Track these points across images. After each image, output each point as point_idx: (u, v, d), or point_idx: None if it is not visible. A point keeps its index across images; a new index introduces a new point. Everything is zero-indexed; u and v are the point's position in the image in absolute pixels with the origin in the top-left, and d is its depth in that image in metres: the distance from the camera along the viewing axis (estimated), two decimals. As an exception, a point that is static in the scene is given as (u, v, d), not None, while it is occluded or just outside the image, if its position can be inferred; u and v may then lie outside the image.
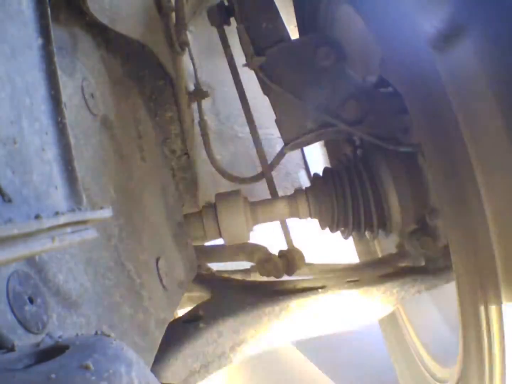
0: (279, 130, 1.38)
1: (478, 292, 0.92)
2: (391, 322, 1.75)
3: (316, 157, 2.13)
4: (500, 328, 0.90)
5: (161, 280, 1.02)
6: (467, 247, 0.91)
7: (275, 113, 1.38)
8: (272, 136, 1.92)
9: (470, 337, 1.00)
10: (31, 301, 0.54)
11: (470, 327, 0.99)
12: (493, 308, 0.89)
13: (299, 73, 1.32)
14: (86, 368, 0.39)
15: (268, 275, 1.47)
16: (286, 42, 1.34)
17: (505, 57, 0.77)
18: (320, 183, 1.41)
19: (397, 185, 1.31)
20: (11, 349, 0.45)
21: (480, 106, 0.80)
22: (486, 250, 0.86)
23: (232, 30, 1.47)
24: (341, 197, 1.37)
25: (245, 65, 1.39)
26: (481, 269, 0.89)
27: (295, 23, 1.67)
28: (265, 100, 1.43)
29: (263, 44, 1.34)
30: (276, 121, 1.38)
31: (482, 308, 0.91)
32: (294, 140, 1.36)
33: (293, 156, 2.06)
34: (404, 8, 0.89)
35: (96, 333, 0.50)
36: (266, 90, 1.38)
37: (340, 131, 1.32)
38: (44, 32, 0.57)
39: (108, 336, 0.47)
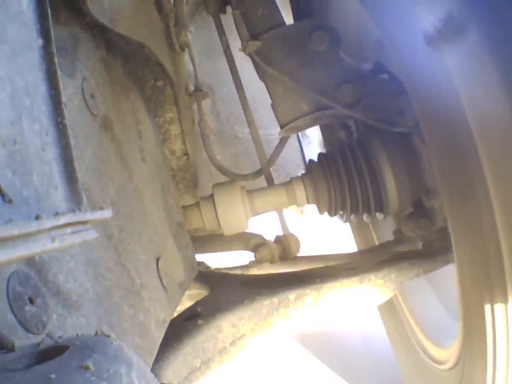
0: (275, 113, 1.39)
1: (480, 277, 0.91)
2: (388, 304, 1.74)
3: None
4: (505, 309, 0.89)
5: (161, 281, 1.02)
6: (471, 237, 0.90)
7: (270, 97, 1.38)
8: (272, 137, 1.93)
9: (470, 318, 1.00)
10: (31, 301, 0.54)
11: (471, 310, 0.98)
12: (495, 296, 0.89)
13: (294, 57, 1.33)
14: (86, 368, 0.39)
15: (264, 261, 1.48)
16: (281, 27, 1.35)
17: (505, 54, 0.76)
18: (315, 169, 1.41)
19: (393, 167, 1.32)
20: (11, 349, 0.45)
21: (485, 94, 0.78)
22: (492, 241, 0.85)
23: (232, 31, 1.47)
24: (337, 181, 1.37)
25: (240, 50, 1.39)
26: (486, 259, 0.88)
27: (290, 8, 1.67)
28: (265, 101, 1.44)
29: (259, 29, 1.35)
30: (272, 105, 1.39)
31: (485, 295, 0.91)
32: (290, 123, 1.36)
33: (292, 156, 2.06)
34: (405, 5, 0.89)
35: (96, 333, 0.50)
36: (261, 74, 1.38)
37: (336, 114, 1.33)
38: (44, 32, 0.57)
39: (108, 336, 0.47)
